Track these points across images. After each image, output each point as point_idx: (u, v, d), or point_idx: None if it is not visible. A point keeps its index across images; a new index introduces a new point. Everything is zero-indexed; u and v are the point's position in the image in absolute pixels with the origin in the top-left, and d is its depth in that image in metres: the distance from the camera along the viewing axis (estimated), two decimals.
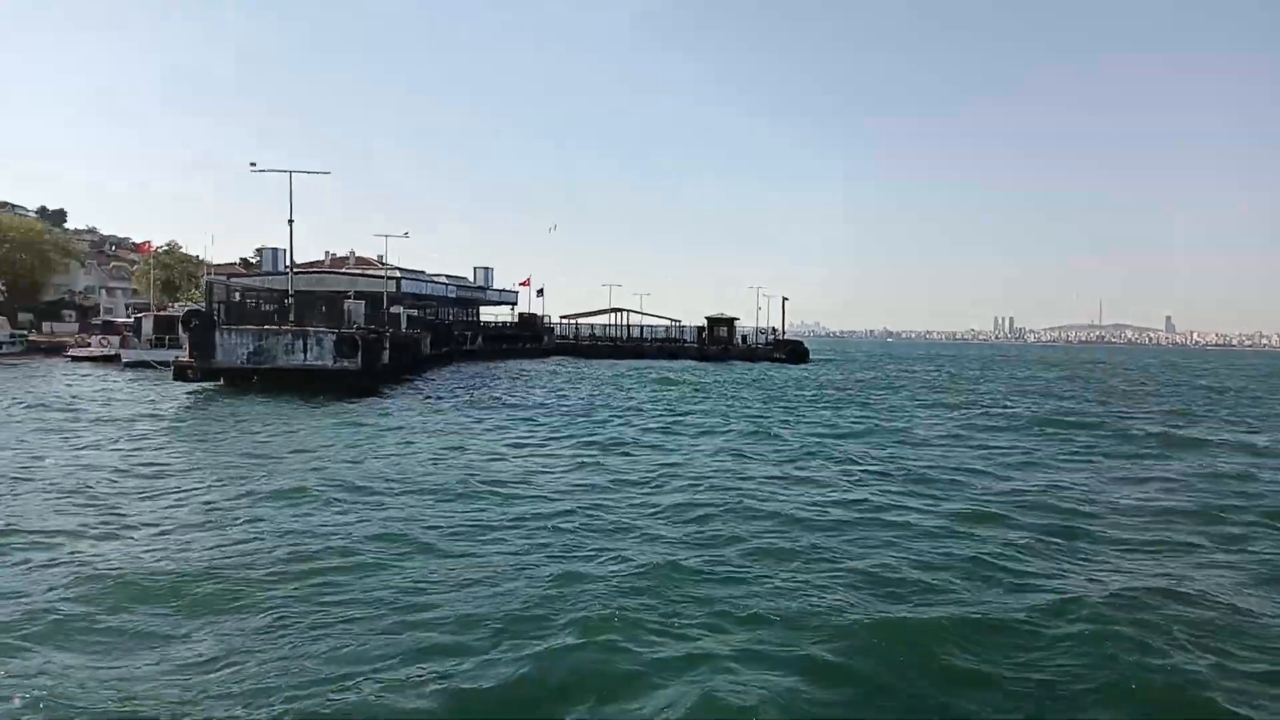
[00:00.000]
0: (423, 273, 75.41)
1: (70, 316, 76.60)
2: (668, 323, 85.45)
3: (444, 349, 65.95)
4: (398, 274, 69.97)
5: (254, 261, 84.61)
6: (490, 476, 16.08)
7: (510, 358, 71.91)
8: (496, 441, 21.55)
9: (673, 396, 38.29)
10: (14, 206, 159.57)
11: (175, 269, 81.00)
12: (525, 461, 18.22)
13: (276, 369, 37.33)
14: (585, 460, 18.39)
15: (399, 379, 43.33)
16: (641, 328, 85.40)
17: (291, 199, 37.20)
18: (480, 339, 75.60)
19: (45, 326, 71.07)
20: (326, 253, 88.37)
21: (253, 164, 37.79)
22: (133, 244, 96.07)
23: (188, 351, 37.52)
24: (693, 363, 72.15)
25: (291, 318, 38.37)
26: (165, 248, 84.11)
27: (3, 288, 76.04)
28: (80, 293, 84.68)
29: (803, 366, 71.70)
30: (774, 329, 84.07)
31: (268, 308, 39.80)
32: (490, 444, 21.02)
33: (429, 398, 35.80)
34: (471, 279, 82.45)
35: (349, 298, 46.28)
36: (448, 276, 78.42)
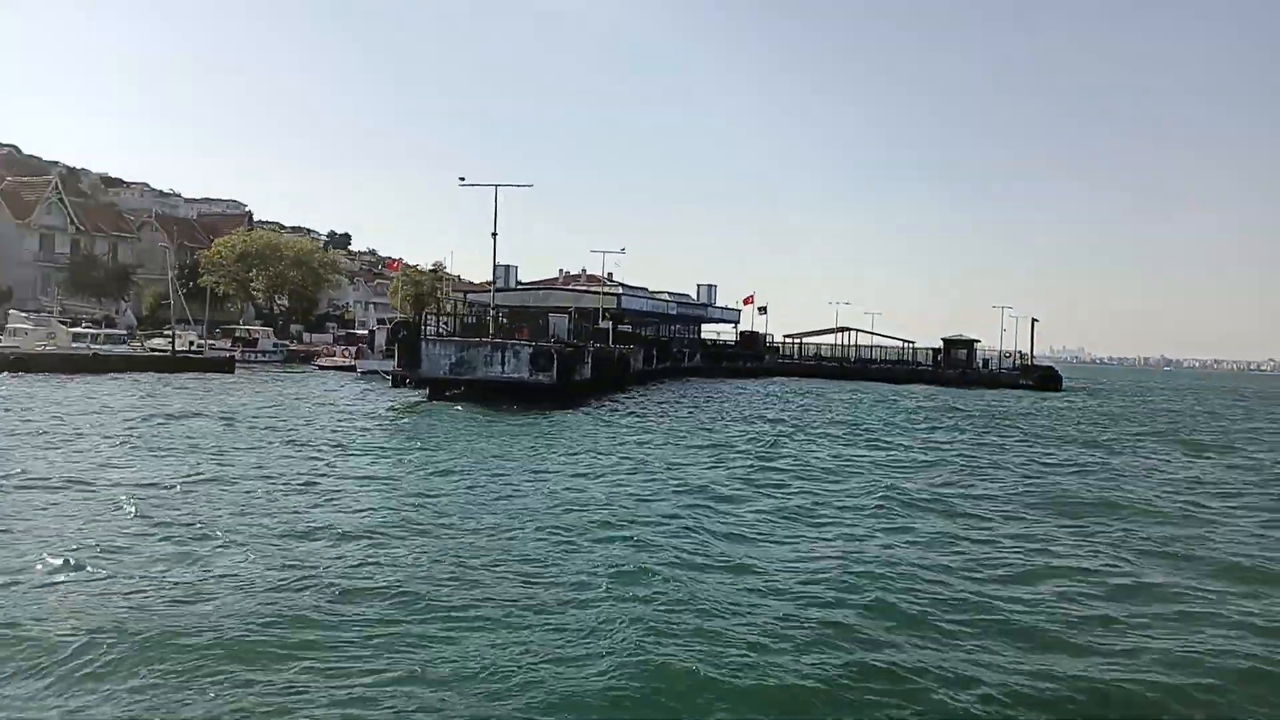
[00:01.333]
0: (645, 290, 75.50)
1: (333, 328, 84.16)
2: (899, 343, 79.97)
3: (660, 365, 65.37)
4: (619, 290, 70.39)
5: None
6: (571, 506, 14.72)
7: (728, 376, 70.05)
8: (623, 467, 19.87)
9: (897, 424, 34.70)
10: (309, 230, 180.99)
11: (424, 284, 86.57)
12: (625, 494, 16.18)
13: (476, 380, 37.87)
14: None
15: (601, 393, 42.74)
16: (871, 348, 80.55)
17: (496, 213, 37.53)
18: (699, 356, 74.37)
19: (308, 337, 78.36)
20: (560, 270, 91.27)
21: (461, 178, 38.67)
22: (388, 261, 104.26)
23: (396, 362, 39.13)
24: (926, 387, 66.67)
25: (491, 331, 38.76)
26: (432, 267, 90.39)
27: (283, 302, 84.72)
28: (344, 307, 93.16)
29: (1050, 395, 64.06)
30: (1020, 352, 76.16)
31: (470, 321, 40.56)
32: (615, 470, 19.36)
33: (616, 413, 34.71)
34: (694, 296, 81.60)
35: (566, 313, 46.56)
36: (670, 294, 78.03)
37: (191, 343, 60.88)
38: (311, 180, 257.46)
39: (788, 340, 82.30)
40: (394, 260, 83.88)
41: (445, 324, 38.49)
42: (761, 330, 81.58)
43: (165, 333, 62.92)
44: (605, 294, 65.40)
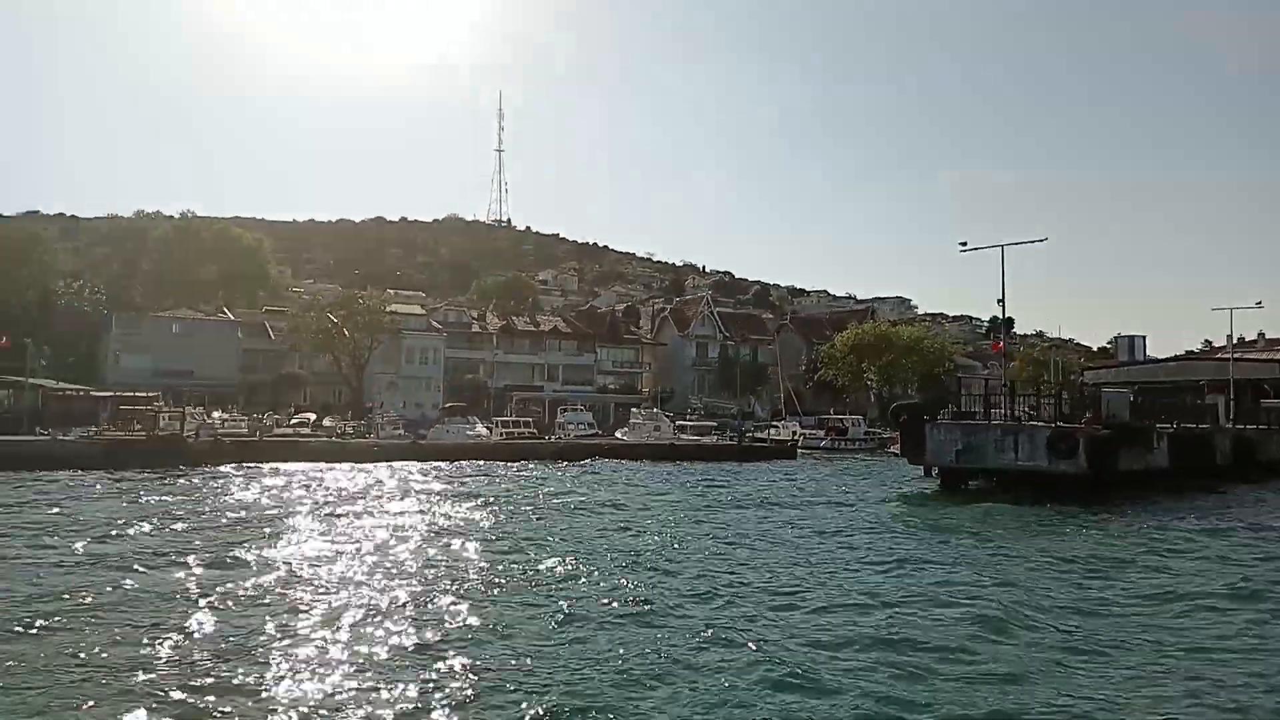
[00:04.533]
0: None
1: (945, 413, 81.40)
2: None
3: None
4: None
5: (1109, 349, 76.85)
6: None
7: None
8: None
9: None
10: (971, 318, 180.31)
11: (1046, 360, 79.18)
12: None
13: (987, 469, 32.98)
14: None
15: (1189, 486, 33.16)
16: None
17: (1004, 276, 32.84)
18: None
19: None
20: (1229, 336, 74.84)
21: (962, 244, 34.80)
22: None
23: (899, 448, 36.14)
24: None
25: (1002, 410, 33.50)
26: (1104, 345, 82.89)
27: (898, 389, 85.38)
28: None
29: None
30: None
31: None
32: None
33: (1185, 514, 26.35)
34: None
35: (1127, 387, 38.12)
36: None
37: (794, 432, 65.41)
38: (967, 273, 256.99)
39: None
40: (997, 341, 78.17)
41: (1033, 405, 34.45)
42: None
43: (774, 424, 68.81)
44: (1256, 360, 51.72)
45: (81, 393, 55.86)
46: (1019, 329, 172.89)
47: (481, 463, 42.33)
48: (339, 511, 24.08)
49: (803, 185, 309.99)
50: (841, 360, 78.67)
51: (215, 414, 57.20)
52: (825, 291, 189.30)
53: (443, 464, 41.72)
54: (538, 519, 23.66)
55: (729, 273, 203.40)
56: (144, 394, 55.17)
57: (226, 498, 27.22)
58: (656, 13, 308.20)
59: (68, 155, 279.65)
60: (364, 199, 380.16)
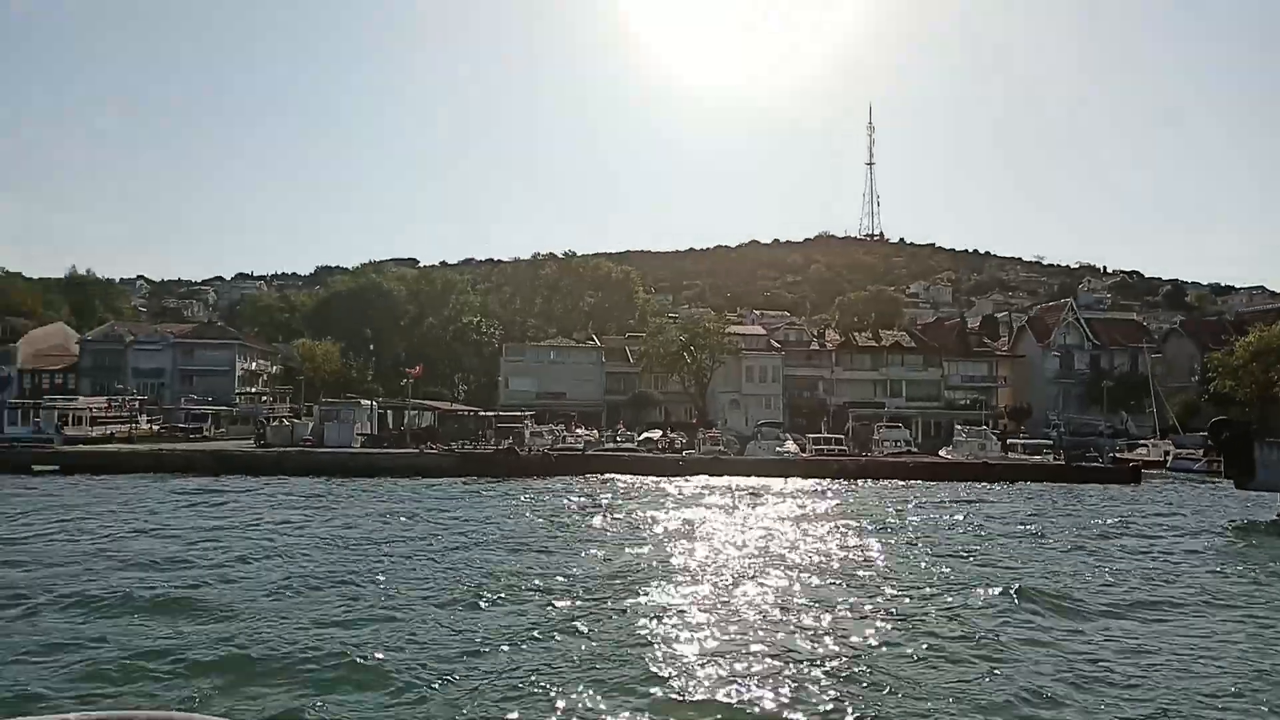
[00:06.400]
0: None
1: None
2: None
3: None
4: None
5: None
6: None
7: None
8: None
9: None
10: None
11: None
12: None
13: None
14: None
15: None
16: None
17: None
18: None
19: None
20: None
21: None
22: None
23: (1225, 471, 30.56)
24: None
25: None
26: None
27: None
28: None
29: None
30: None
31: None
32: None
33: None
34: None
35: None
36: None
37: (1165, 453, 57.55)
38: None
39: None
40: None
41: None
42: None
43: (1142, 443, 60.83)
44: None
45: (470, 413, 66.58)
46: None
47: (777, 480, 43.31)
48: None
49: (1230, 164, 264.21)
50: (1241, 370, 66.71)
51: (578, 430, 65.01)
52: (1262, 288, 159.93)
53: (747, 479, 43.41)
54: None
55: (1136, 272, 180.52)
56: (518, 413, 64.29)
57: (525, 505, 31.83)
58: (1029, 8, 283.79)
59: (493, 207, 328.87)
60: (738, 224, 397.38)
